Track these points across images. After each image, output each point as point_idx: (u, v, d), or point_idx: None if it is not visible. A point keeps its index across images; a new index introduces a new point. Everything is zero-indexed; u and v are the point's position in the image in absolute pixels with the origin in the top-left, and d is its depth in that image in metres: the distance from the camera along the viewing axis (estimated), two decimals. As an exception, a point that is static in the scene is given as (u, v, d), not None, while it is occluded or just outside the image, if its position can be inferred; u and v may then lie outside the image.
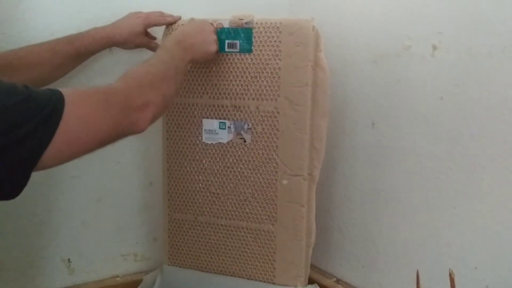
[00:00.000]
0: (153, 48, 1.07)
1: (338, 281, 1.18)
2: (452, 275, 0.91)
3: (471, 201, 0.88)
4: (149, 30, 1.07)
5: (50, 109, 0.62)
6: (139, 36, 1.03)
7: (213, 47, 0.97)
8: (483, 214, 0.86)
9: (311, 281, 1.14)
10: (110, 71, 1.11)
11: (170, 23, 1.06)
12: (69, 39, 0.97)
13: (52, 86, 0.97)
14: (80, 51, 0.97)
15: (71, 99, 0.65)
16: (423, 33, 0.94)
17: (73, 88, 0.69)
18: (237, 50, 1.00)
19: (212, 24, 0.99)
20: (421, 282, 0.99)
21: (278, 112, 0.99)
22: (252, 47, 0.98)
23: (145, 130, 0.76)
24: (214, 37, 0.97)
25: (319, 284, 1.15)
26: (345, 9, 1.12)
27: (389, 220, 1.05)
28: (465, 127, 0.88)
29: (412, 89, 0.97)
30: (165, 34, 1.06)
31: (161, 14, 1.06)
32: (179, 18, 1.06)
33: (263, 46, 0.98)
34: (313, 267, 1.22)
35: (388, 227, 1.05)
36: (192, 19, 1.02)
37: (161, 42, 0.95)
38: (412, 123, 0.98)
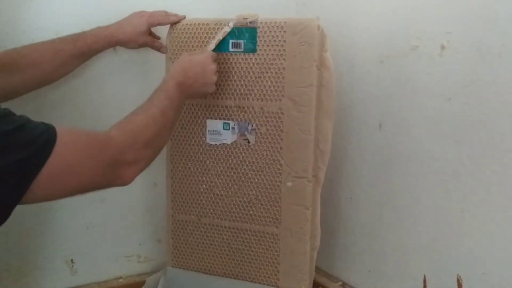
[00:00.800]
0: (156, 47, 1.06)
1: (344, 285, 1.16)
2: (460, 281, 0.90)
3: (480, 205, 0.86)
4: (153, 29, 1.06)
5: (40, 145, 0.62)
6: (142, 35, 1.03)
7: (211, 89, 0.96)
8: (492, 219, 0.84)
9: (316, 284, 1.13)
10: (113, 70, 1.11)
11: (174, 22, 1.05)
12: (72, 38, 0.96)
13: (56, 84, 0.98)
14: (83, 50, 0.97)
15: (64, 140, 0.65)
16: (431, 32, 0.92)
17: (70, 128, 0.69)
18: (242, 50, 0.98)
19: (214, 58, 0.96)
20: (428, 287, 0.97)
21: (282, 113, 0.97)
22: (257, 47, 0.97)
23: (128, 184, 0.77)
24: (215, 78, 0.95)
25: (324, 288, 1.13)
26: (352, 9, 1.10)
27: (396, 223, 1.03)
28: (474, 129, 0.86)
29: (420, 90, 0.95)
30: (169, 34, 1.05)
31: (165, 13, 1.06)
32: (184, 17, 1.05)
33: (268, 45, 0.96)
34: (319, 270, 1.20)
35: (395, 230, 1.03)
36: (194, 53, 0.97)
37: (163, 78, 0.91)
38: (419, 125, 0.96)
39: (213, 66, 0.95)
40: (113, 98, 1.11)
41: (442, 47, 0.90)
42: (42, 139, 0.63)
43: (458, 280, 0.90)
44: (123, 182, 0.75)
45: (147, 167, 0.80)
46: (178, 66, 0.92)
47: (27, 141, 0.61)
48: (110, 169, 0.72)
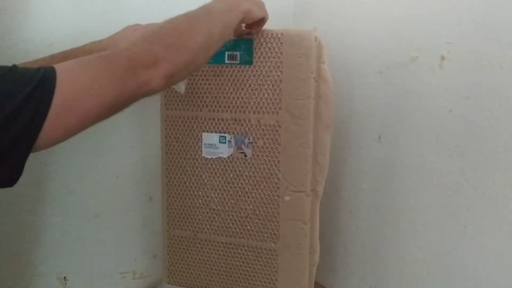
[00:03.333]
0: None
1: (344, 301, 1.13)
2: (464, 298, 0.87)
3: (483, 219, 0.83)
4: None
5: (41, 76, 0.56)
6: None
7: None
8: (496, 234, 0.81)
9: (316, 301, 1.10)
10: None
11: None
12: (64, 55, 0.94)
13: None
14: None
15: (64, 67, 0.59)
16: (432, 43, 0.90)
17: (66, 64, 0.62)
18: (238, 62, 0.96)
19: None
20: (430, 304, 0.94)
21: (279, 126, 0.95)
22: (253, 58, 0.95)
23: (162, 90, 0.67)
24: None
25: (324, 304, 1.10)
26: (351, 19, 1.08)
27: (397, 238, 1.01)
28: (476, 141, 0.84)
29: (420, 101, 0.93)
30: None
31: None
32: (179, 29, 1.03)
33: (264, 57, 0.94)
34: (319, 286, 1.17)
35: (396, 245, 1.01)
36: None
37: None
38: (420, 137, 0.94)
39: None
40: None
41: (442, 58, 0.88)
42: (40, 73, 0.57)
43: (461, 297, 0.87)
44: (151, 87, 0.65)
45: (178, 73, 0.69)
46: None
47: (25, 79, 0.56)
48: (129, 77, 0.63)
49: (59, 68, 0.59)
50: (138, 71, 0.64)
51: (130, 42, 0.68)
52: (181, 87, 1.00)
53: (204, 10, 0.77)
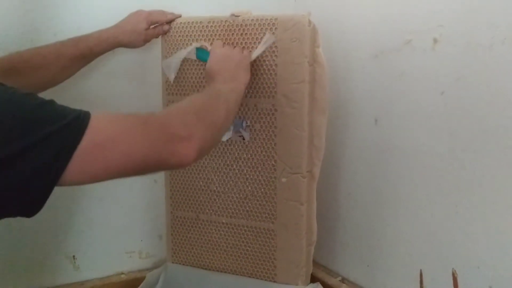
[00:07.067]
0: (159, 33, 1.06)
1: (343, 280, 1.16)
2: (455, 275, 0.89)
3: (473, 199, 0.85)
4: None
5: (75, 116, 0.57)
6: (143, 32, 1.03)
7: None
8: (485, 213, 0.83)
9: (316, 279, 1.14)
10: (118, 73, 1.13)
11: (171, 20, 1.06)
12: (74, 41, 0.97)
13: (57, 88, 0.99)
14: (84, 53, 0.97)
15: (100, 116, 0.59)
16: (424, 26, 0.91)
17: (105, 111, 0.62)
18: None
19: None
20: (424, 281, 0.97)
21: (275, 110, 0.98)
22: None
23: (191, 164, 0.67)
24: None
25: (323, 283, 1.13)
26: (346, 4, 1.10)
27: (392, 218, 1.03)
28: (466, 123, 0.85)
29: (414, 83, 0.95)
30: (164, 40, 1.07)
31: (162, 12, 1.07)
32: (180, 16, 1.07)
33: (260, 43, 0.96)
34: (318, 265, 1.21)
35: (392, 225, 1.03)
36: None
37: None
38: (413, 119, 0.96)
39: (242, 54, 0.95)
40: (112, 98, 1.13)
41: (435, 41, 0.90)
42: (75, 114, 0.57)
43: (453, 274, 0.89)
44: (181, 160, 0.65)
45: (207, 150, 0.71)
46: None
47: (58, 115, 0.56)
48: (161, 144, 0.63)
49: (95, 114, 0.59)
50: (174, 141, 0.65)
51: (164, 111, 0.70)
52: (172, 75, 1.03)
53: (215, 92, 0.82)
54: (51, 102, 0.58)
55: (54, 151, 0.54)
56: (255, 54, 0.96)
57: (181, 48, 1.03)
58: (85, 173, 0.58)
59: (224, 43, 0.97)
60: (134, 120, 0.64)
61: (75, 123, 0.56)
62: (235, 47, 0.97)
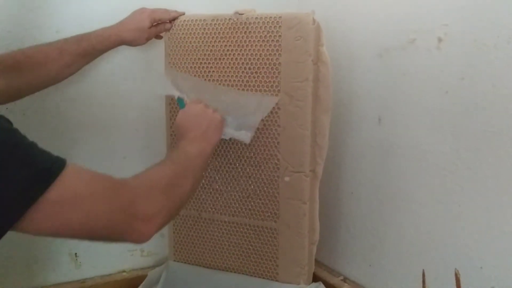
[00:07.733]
0: (161, 31, 1.06)
1: (345, 279, 1.16)
2: (458, 275, 0.89)
3: (476, 198, 0.85)
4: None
5: (47, 167, 0.56)
6: (146, 30, 1.03)
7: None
8: (489, 212, 0.83)
9: (318, 279, 1.13)
10: (120, 71, 1.13)
11: (174, 18, 1.06)
12: (77, 39, 0.97)
13: (59, 85, 0.99)
14: (87, 50, 0.97)
15: (75, 169, 0.59)
16: (428, 25, 0.91)
17: (82, 166, 0.61)
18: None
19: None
20: (426, 281, 0.96)
21: (279, 108, 0.97)
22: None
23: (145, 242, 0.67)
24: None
25: (325, 282, 1.13)
26: (350, 3, 1.09)
27: (395, 218, 1.03)
28: (470, 122, 0.85)
29: (418, 83, 0.95)
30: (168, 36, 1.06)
31: (166, 10, 1.07)
32: (183, 14, 1.06)
33: (263, 41, 0.96)
34: (320, 265, 1.21)
35: (394, 225, 1.03)
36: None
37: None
38: (417, 118, 0.95)
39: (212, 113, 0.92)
40: (114, 96, 1.13)
41: (439, 40, 0.89)
42: (50, 161, 0.57)
43: (456, 274, 0.89)
44: (138, 237, 0.66)
45: (165, 223, 0.71)
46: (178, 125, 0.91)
47: (31, 161, 0.55)
48: (123, 217, 0.63)
49: (70, 167, 0.58)
50: (137, 218, 0.65)
51: (137, 182, 0.68)
52: (161, 92, 1.06)
53: (183, 159, 0.80)
54: (31, 145, 0.57)
55: (14, 194, 0.54)
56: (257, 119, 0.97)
57: (173, 87, 1.02)
58: (43, 224, 0.57)
59: (201, 102, 0.94)
60: (106, 185, 0.63)
61: (43, 174, 0.56)
62: (208, 107, 0.93)
